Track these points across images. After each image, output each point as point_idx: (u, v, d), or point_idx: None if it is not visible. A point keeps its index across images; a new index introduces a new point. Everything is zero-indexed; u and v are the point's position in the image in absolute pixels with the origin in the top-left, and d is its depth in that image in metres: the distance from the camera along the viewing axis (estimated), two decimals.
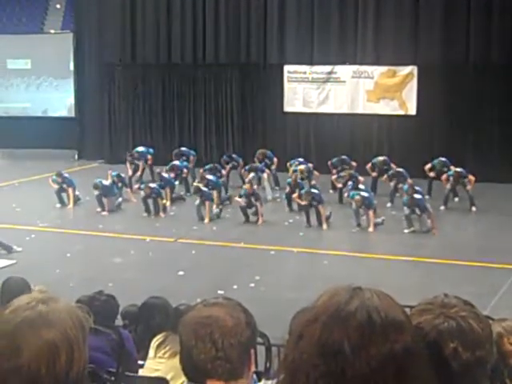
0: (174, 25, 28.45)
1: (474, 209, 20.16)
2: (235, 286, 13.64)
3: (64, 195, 21.26)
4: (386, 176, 21.56)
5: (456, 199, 20.93)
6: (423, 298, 2.21)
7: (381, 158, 22.67)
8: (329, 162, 23.01)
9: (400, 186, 20.12)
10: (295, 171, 21.83)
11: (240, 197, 19.43)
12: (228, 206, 20.60)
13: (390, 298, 1.81)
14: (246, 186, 19.77)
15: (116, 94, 29.78)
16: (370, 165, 22.45)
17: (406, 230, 18.19)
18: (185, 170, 23.28)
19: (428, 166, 21.80)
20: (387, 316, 1.73)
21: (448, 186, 20.60)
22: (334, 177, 22.03)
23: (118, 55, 29.31)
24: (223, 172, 23.05)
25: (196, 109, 28.78)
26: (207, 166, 22.72)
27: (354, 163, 22.57)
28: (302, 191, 19.23)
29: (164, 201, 20.50)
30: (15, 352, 1.92)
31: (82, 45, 30.30)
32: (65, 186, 21.20)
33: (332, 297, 1.79)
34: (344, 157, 23.07)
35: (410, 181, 19.78)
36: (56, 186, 21.19)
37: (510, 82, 24.15)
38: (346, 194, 20.38)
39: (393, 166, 22.07)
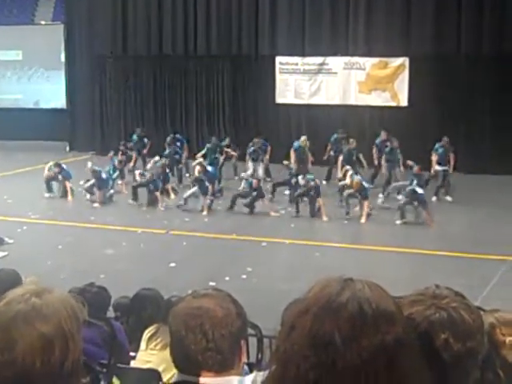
0: (166, 16, 28.40)
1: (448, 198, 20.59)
2: (227, 278, 13.66)
3: (53, 184, 21.26)
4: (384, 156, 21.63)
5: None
6: (415, 289, 2.20)
7: (383, 135, 22.69)
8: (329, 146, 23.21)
9: (410, 164, 20.05)
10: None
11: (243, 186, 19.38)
12: (219, 198, 20.60)
13: (382, 289, 1.81)
14: (254, 181, 19.62)
15: (107, 86, 29.74)
16: (374, 149, 22.43)
17: (397, 221, 18.22)
18: (182, 160, 23.32)
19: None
20: (378, 307, 1.73)
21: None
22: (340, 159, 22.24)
23: (109, 47, 29.26)
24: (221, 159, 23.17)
25: (187, 100, 28.76)
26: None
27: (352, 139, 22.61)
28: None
29: (172, 196, 20.62)
30: (9, 345, 1.92)
31: (73, 36, 30.23)
32: (60, 177, 21.18)
33: (323, 288, 1.79)
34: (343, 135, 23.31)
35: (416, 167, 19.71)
36: (48, 174, 21.12)
37: (501, 73, 24.17)
38: (348, 173, 20.02)
39: (394, 142, 21.95)
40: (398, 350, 1.72)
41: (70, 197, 21.10)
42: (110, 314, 7.84)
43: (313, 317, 1.74)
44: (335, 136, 23.49)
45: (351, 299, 1.73)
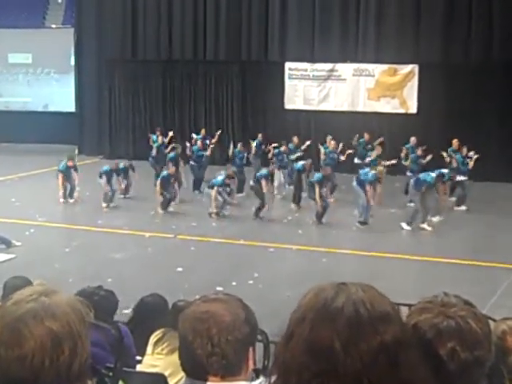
0: (175, 21, 28.47)
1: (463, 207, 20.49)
2: (234, 283, 13.64)
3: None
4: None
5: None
6: (422, 296, 2.20)
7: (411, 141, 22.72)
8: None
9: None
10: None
11: None
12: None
13: (375, 291, 1.81)
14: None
15: (116, 90, 29.80)
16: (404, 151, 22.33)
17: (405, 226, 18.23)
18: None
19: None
20: (374, 308, 1.73)
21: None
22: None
23: (119, 51, 29.32)
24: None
25: (196, 105, 28.81)
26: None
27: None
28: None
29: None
30: (19, 342, 1.91)
31: (83, 40, 30.31)
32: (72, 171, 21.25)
33: (318, 294, 1.79)
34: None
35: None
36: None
37: (509, 81, 24.17)
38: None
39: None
40: (398, 348, 1.72)
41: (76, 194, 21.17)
42: (118, 317, 7.83)
43: (310, 324, 1.74)
44: (361, 140, 23.58)
45: (346, 303, 1.74)
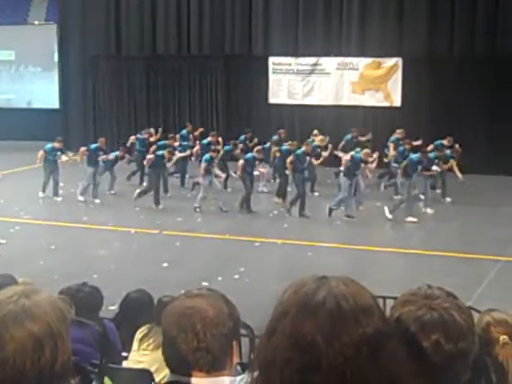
0: (159, 16, 28.40)
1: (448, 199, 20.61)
2: (220, 278, 13.63)
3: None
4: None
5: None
6: (407, 289, 2.20)
7: (399, 132, 22.50)
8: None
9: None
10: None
11: None
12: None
13: (356, 284, 1.81)
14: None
15: (100, 86, 29.72)
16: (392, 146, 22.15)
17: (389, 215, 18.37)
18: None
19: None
20: (356, 302, 1.73)
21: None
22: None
23: (103, 47, 29.23)
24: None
25: (180, 100, 28.77)
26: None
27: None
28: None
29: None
30: (0, 345, 1.90)
31: (67, 36, 30.19)
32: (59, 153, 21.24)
33: (299, 289, 1.78)
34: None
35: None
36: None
37: (493, 73, 24.23)
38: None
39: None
40: (380, 339, 1.72)
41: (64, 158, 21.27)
42: (103, 314, 7.82)
43: (292, 319, 1.73)
44: (348, 136, 23.44)
45: (328, 297, 1.73)
